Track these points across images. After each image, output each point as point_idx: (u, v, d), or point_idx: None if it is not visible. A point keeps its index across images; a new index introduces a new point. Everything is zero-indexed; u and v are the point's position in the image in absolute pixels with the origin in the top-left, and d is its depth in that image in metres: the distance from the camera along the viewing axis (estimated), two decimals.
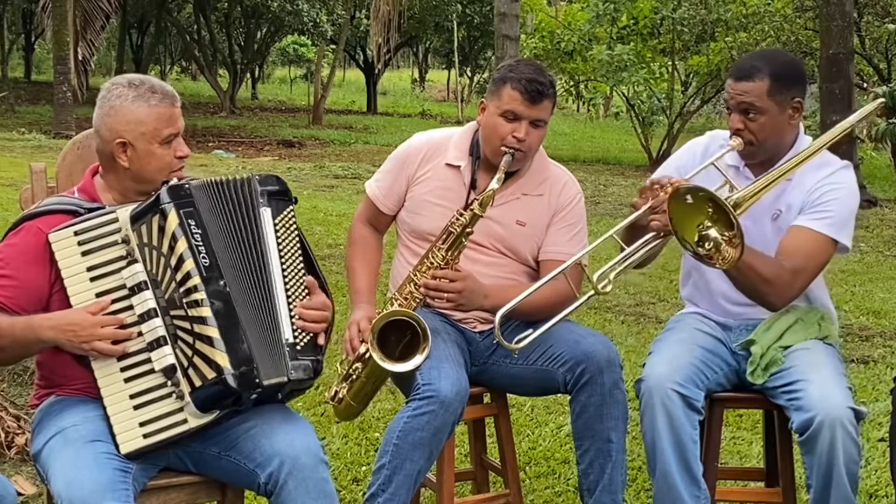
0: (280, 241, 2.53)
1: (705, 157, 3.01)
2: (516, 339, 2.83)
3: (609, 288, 2.79)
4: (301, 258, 2.57)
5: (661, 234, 2.83)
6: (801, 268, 2.86)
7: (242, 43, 31.36)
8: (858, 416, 2.71)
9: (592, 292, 2.82)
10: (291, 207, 2.59)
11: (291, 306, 2.50)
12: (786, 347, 2.91)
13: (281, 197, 2.58)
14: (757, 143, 2.92)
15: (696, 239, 2.67)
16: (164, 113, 2.49)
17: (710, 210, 2.65)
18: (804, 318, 2.98)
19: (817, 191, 2.92)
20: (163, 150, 2.50)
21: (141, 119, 2.48)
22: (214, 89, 28.02)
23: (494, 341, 3.08)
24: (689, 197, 2.65)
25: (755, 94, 2.88)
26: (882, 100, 3.46)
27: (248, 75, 32.70)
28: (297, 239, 2.57)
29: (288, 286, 2.51)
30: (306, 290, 2.55)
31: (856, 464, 2.73)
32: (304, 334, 2.50)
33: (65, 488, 2.27)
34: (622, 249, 2.88)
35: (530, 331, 2.85)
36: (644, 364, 2.95)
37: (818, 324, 2.98)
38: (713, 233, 2.65)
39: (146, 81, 2.52)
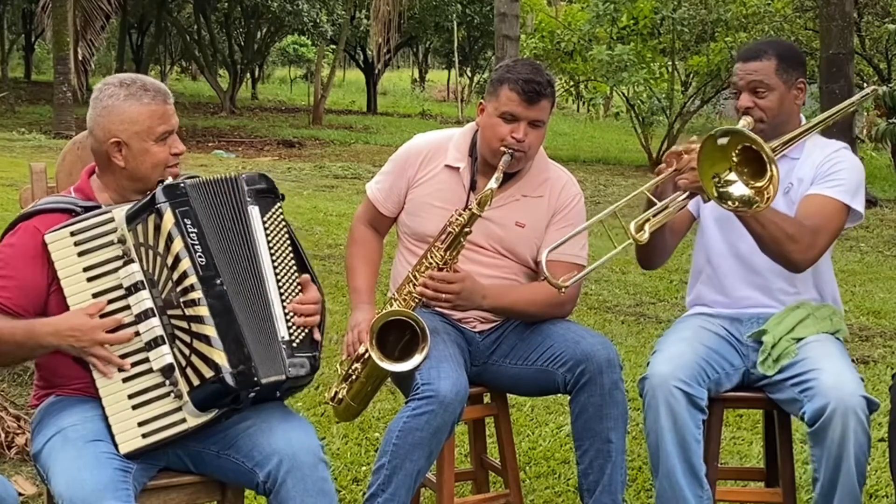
0: (270, 238, 2.53)
1: None
2: (562, 278, 2.84)
3: (646, 237, 2.81)
4: (292, 255, 2.57)
5: (689, 191, 2.85)
6: (821, 227, 2.90)
7: (242, 43, 31.35)
8: (871, 406, 2.72)
9: (630, 241, 2.82)
10: (279, 205, 2.59)
11: (285, 304, 2.50)
12: (798, 340, 2.92)
13: (268, 195, 2.58)
14: (767, 120, 2.98)
15: (717, 188, 2.68)
16: (157, 110, 2.50)
17: (735, 159, 2.67)
18: (816, 313, 3.00)
19: (827, 163, 3.00)
20: (158, 148, 2.51)
21: (134, 118, 2.48)
22: (214, 89, 28.02)
23: (495, 341, 3.09)
24: (723, 139, 2.66)
25: (764, 72, 2.98)
26: (874, 87, 3.55)
27: (248, 75, 32.69)
28: (286, 236, 2.58)
29: (281, 284, 2.51)
30: (299, 287, 2.55)
31: (865, 456, 2.73)
32: (299, 331, 2.50)
33: (65, 488, 2.27)
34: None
35: (574, 272, 2.88)
36: (648, 363, 2.95)
37: (830, 318, 3.01)
38: (740, 184, 2.66)
39: (137, 80, 2.52)
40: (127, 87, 2.49)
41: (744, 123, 2.95)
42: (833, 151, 3.04)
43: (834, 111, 3.10)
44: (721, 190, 2.68)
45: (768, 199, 2.64)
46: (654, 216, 2.86)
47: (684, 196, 2.88)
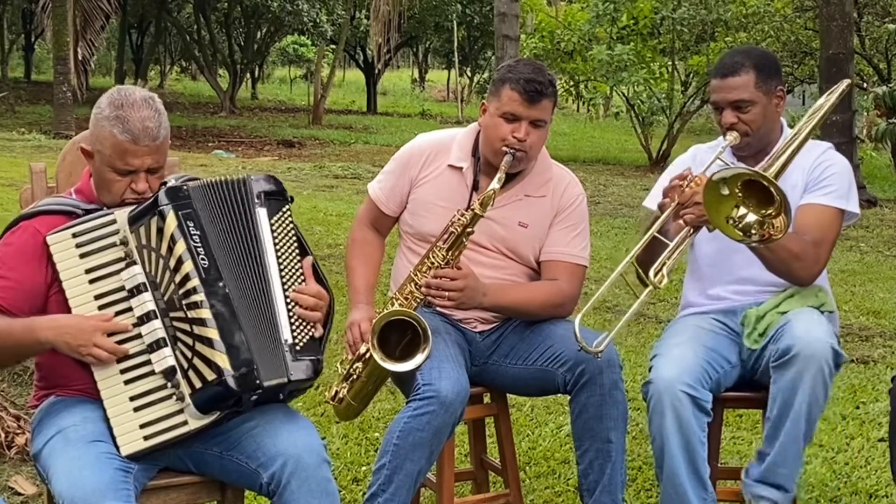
0: (277, 241, 2.53)
1: (695, 164, 3.07)
2: (595, 342, 2.81)
3: (665, 282, 2.85)
4: (298, 258, 2.57)
5: (695, 226, 2.87)
6: (821, 239, 2.97)
7: (242, 43, 31.36)
8: (838, 359, 2.74)
9: (651, 287, 2.86)
10: (287, 207, 2.59)
11: (290, 306, 2.50)
12: (783, 313, 2.94)
13: (276, 197, 2.57)
14: (752, 132, 3.02)
15: (738, 228, 2.70)
16: (120, 145, 2.43)
17: (739, 195, 2.68)
18: (802, 290, 3.02)
19: (817, 168, 3.05)
20: (116, 178, 2.48)
21: (102, 139, 2.46)
22: (214, 89, 28.02)
23: (495, 341, 3.09)
24: (724, 188, 2.67)
25: (745, 88, 3.00)
26: (848, 80, 3.56)
27: (248, 75, 32.70)
28: (294, 238, 2.57)
29: (286, 286, 2.51)
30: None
31: (819, 409, 2.74)
32: (303, 334, 2.50)
33: (66, 488, 2.27)
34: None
35: (606, 332, 2.85)
36: (650, 367, 2.94)
37: (815, 294, 3.02)
38: (752, 215, 2.69)
39: (126, 107, 2.44)
40: (115, 108, 2.44)
41: (731, 139, 2.99)
42: (820, 154, 3.08)
43: (816, 120, 3.08)
44: (741, 227, 2.70)
45: (784, 226, 2.64)
46: (669, 258, 2.87)
47: (692, 231, 2.89)
